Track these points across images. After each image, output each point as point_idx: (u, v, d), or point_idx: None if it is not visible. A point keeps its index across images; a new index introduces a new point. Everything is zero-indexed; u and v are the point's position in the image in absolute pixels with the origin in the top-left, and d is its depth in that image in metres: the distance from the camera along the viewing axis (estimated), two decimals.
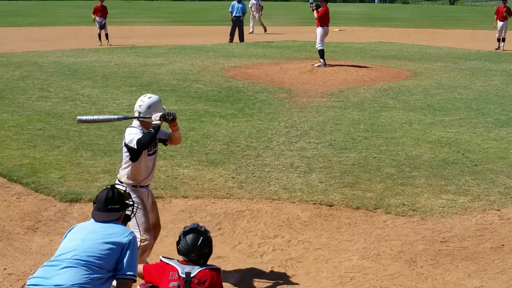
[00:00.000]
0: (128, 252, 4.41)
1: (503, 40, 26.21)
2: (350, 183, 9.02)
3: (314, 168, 9.68)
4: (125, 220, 4.81)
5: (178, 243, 4.95)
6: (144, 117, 5.87)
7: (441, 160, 10.17)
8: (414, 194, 8.64)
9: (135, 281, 4.49)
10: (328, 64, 19.66)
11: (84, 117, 6.01)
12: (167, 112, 5.86)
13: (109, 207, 4.61)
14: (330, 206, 8.19)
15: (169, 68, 19.53)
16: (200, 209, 8.05)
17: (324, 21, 19.35)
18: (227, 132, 11.78)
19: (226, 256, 6.79)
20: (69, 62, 20.37)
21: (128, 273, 4.37)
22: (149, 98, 5.92)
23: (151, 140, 5.75)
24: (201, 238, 4.88)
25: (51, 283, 4.18)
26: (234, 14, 28.17)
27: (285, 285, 6.18)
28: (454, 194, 8.66)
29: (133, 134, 5.79)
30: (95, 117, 6.04)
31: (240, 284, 6.18)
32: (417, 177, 9.33)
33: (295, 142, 11.08)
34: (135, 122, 5.96)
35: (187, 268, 4.78)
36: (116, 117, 6.03)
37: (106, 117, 6.09)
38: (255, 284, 6.19)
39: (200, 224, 5.08)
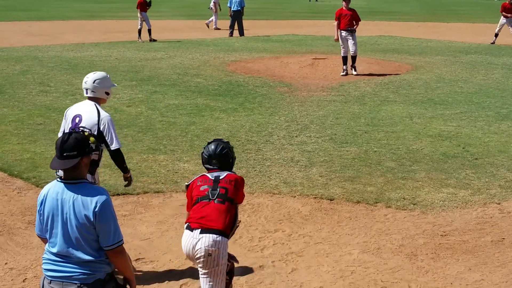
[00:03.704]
0: (100, 223, 4.06)
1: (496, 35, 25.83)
2: (351, 177, 9.02)
3: (315, 162, 9.68)
4: (92, 166, 4.47)
5: (202, 152, 5.31)
6: None
7: (441, 154, 10.17)
8: (415, 188, 8.64)
9: (122, 243, 4.24)
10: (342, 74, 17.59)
11: None
12: None
13: (65, 154, 4.11)
14: (331, 200, 8.19)
15: (169, 62, 19.51)
16: None
17: (340, 22, 17.44)
18: (228, 126, 11.78)
19: None
20: (69, 57, 20.36)
21: (110, 244, 4.09)
22: (93, 73, 6.06)
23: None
24: (222, 145, 5.25)
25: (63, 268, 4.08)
26: (232, 8, 28.17)
27: (286, 279, 6.19)
28: (454, 187, 8.66)
29: None
30: None
31: (241, 278, 6.19)
32: (418, 171, 9.33)
33: (296, 136, 11.08)
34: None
35: (216, 173, 5.16)
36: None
37: None
38: (256, 278, 6.20)
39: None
